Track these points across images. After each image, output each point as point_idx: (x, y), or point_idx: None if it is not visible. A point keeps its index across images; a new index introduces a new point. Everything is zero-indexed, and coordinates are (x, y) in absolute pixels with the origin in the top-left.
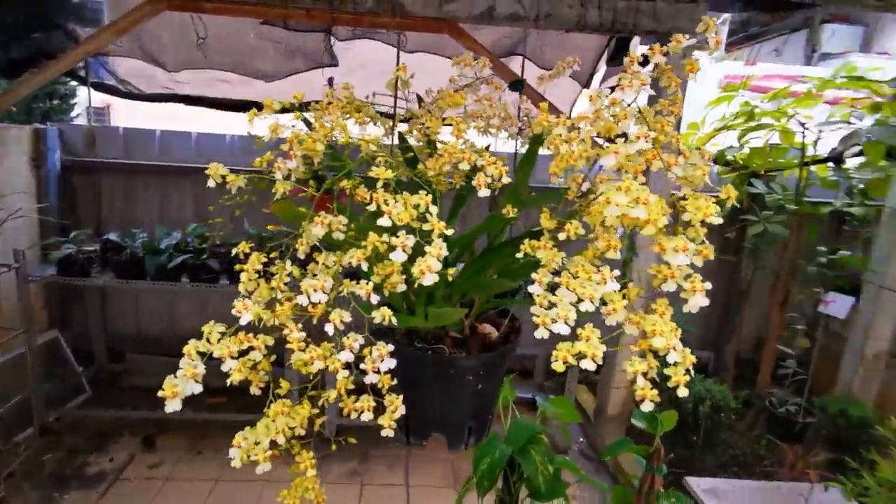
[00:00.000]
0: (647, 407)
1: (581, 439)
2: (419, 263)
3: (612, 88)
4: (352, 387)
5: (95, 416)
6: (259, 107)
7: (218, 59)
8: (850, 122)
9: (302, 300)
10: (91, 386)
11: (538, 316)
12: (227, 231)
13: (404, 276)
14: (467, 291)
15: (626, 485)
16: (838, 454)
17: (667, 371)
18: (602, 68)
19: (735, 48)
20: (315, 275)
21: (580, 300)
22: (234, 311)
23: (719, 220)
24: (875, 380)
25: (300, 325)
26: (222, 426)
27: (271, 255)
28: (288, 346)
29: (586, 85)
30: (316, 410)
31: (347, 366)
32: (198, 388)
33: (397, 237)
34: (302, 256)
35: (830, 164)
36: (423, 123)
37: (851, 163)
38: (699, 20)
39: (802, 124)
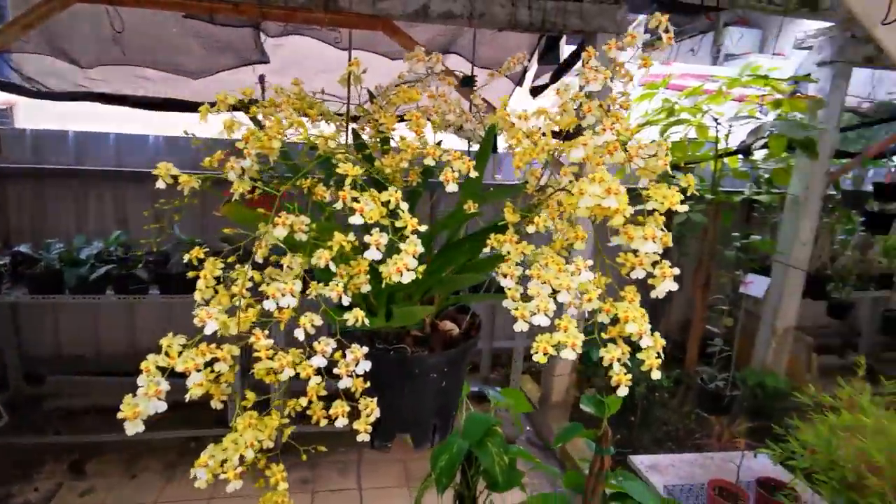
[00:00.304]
0: (622, 392)
1: (528, 428)
2: (395, 261)
3: (545, 86)
4: (324, 392)
5: (16, 444)
6: (186, 106)
7: (137, 55)
8: (756, 117)
9: (269, 305)
10: (8, 411)
11: (517, 309)
12: (154, 238)
13: (368, 276)
14: (429, 289)
15: (577, 469)
16: (758, 422)
17: (640, 355)
18: (534, 66)
19: (651, 48)
20: (274, 279)
21: (556, 291)
22: (196, 321)
23: (685, 207)
24: (785, 352)
25: (266, 332)
26: (158, 445)
27: (229, 260)
28: (255, 354)
29: (519, 83)
30: (286, 420)
31: (318, 371)
32: (161, 407)
33: (370, 235)
34: (260, 260)
35: (740, 156)
36: (375, 120)
37: (758, 154)
38: (622, 20)
39: (716, 120)
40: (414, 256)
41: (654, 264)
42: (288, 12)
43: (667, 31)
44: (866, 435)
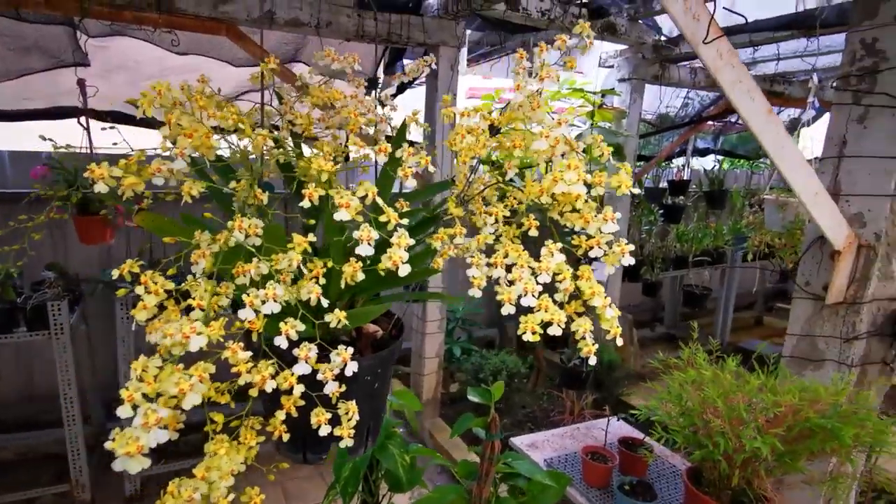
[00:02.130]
0: (592, 361)
1: (401, 428)
2: (390, 255)
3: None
4: (302, 403)
5: None
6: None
7: None
8: (576, 125)
9: (245, 314)
10: None
11: (503, 293)
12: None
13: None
14: (357, 292)
15: (469, 459)
16: (602, 392)
17: (604, 325)
18: (381, 76)
19: (474, 64)
20: (241, 289)
21: (535, 273)
22: (179, 339)
23: (637, 190)
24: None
25: (242, 345)
26: None
27: (169, 272)
28: (235, 369)
29: (367, 92)
30: (262, 439)
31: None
32: (164, 436)
33: (359, 230)
34: (202, 271)
35: None
36: (290, 121)
37: None
38: (461, 35)
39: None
40: (405, 248)
41: (609, 244)
42: (114, 11)
43: (588, 37)
44: (706, 385)
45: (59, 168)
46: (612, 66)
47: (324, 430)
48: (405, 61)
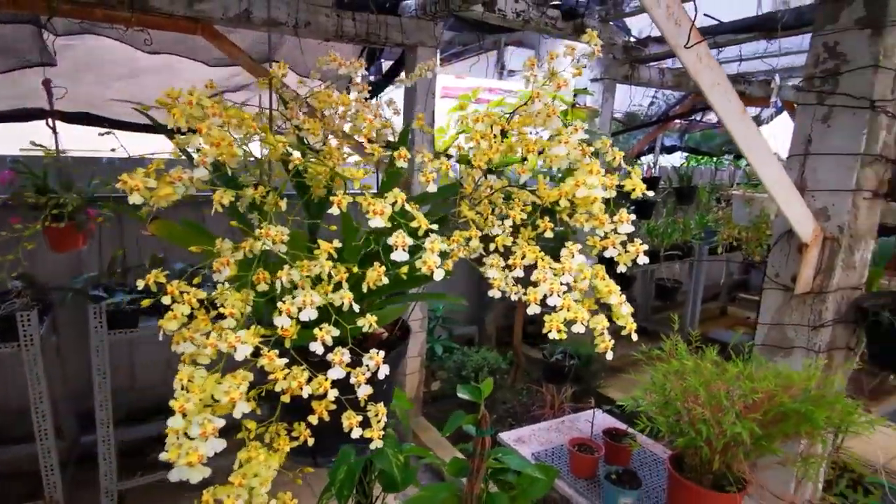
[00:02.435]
0: (609, 356)
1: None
2: (424, 261)
3: (369, 97)
4: (333, 407)
5: None
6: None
7: None
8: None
9: (281, 321)
10: None
11: (528, 294)
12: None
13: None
14: (370, 295)
15: (460, 455)
16: (581, 385)
17: (619, 321)
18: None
19: (446, 63)
20: (235, 302)
21: (556, 274)
22: (223, 348)
23: (651, 193)
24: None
25: (276, 352)
26: None
27: (195, 282)
28: (271, 376)
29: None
30: (295, 443)
31: (333, 385)
32: (221, 445)
33: (393, 236)
34: (222, 279)
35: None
36: (297, 127)
37: None
38: (439, 36)
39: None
40: (437, 253)
41: (623, 244)
42: (84, 8)
43: (596, 44)
44: (688, 375)
45: (27, 173)
46: (584, 66)
47: (356, 433)
48: (382, 62)
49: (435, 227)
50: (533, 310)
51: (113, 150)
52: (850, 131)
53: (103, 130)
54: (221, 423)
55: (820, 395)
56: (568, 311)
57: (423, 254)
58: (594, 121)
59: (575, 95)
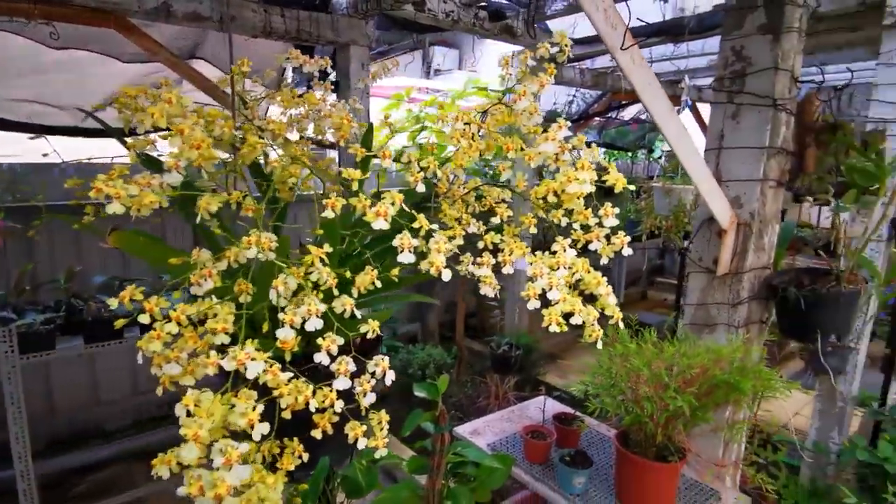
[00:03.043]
0: (599, 345)
1: None
2: (430, 262)
3: (301, 95)
4: (336, 419)
5: None
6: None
7: None
8: None
9: (284, 333)
10: None
11: (528, 289)
12: None
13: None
14: (357, 300)
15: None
16: (522, 374)
17: (607, 311)
18: (288, 76)
19: (373, 62)
20: (226, 316)
21: (552, 269)
22: (234, 366)
23: (632, 187)
24: (525, 313)
25: (278, 366)
26: None
27: (174, 295)
28: (276, 391)
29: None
30: (299, 461)
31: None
32: (246, 472)
33: (399, 238)
34: (202, 292)
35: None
36: (260, 128)
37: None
38: (371, 34)
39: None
40: (442, 254)
41: (608, 237)
42: None
43: (566, 46)
44: (632, 357)
45: None
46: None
47: (361, 443)
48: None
49: (435, 227)
50: (533, 305)
51: (45, 154)
52: (756, 127)
53: (31, 136)
54: (246, 447)
55: (744, 366)
56: (564, 302)
57: (430, 254)
58: None
59: (504, 94)
